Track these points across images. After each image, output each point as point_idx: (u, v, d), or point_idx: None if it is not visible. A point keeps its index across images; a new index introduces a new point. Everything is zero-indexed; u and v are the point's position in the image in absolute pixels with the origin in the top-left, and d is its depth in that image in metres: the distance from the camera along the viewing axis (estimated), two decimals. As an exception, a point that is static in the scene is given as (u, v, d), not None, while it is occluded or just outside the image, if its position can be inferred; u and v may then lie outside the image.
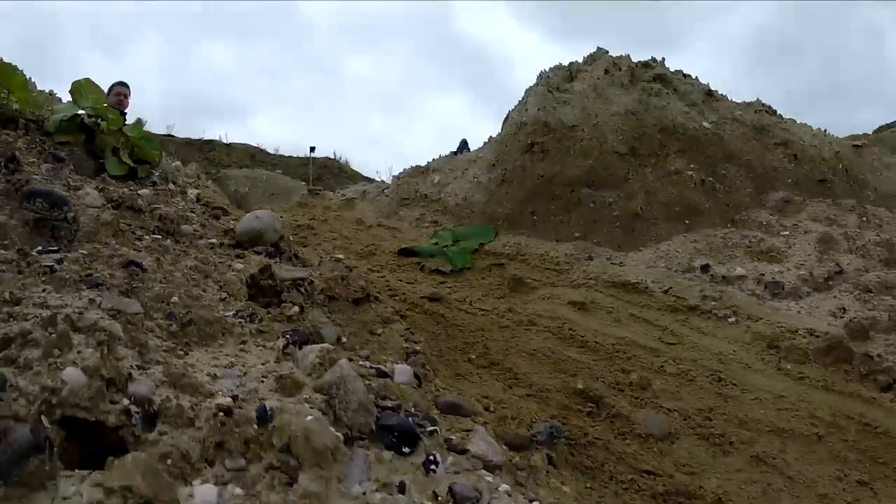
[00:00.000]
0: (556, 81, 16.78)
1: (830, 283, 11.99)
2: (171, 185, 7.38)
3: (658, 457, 7.23)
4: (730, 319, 10.65)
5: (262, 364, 4.14)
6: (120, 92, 9.56)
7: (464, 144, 20.71)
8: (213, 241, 6.29)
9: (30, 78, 8.65)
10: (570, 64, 17.68)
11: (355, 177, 35.99)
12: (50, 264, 4.08)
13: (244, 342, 4.53)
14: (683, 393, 8.63)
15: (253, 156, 37.12)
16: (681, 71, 17.51)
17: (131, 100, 10.21)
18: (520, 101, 16.82)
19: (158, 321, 4.19)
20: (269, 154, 38.10)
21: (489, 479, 3.92)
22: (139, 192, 6.30)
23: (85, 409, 2.81)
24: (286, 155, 37.84)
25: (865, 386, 9.22)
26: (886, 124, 35.75)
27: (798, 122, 17.53)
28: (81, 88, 6.77)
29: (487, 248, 13.60)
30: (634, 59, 17.38)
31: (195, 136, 37.79)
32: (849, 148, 17.09)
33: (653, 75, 16.68)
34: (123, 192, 5.99)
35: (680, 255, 12.75)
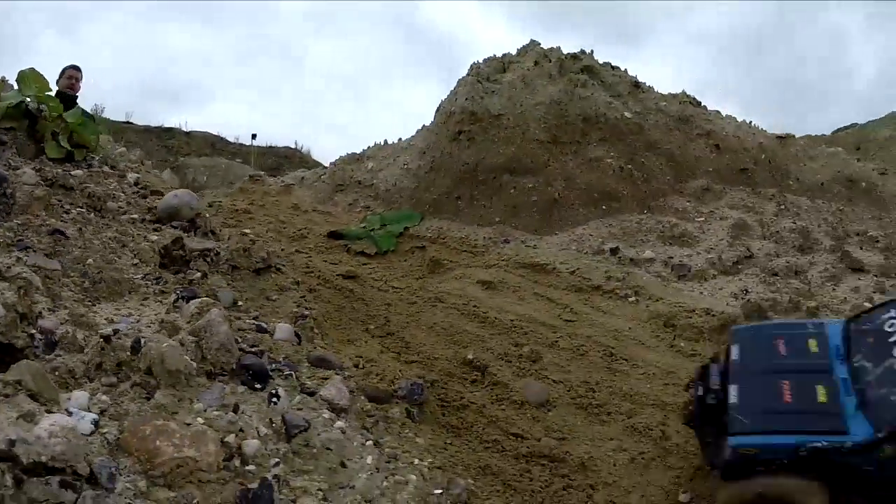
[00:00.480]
0: (488, 72, 17.18)
1: (739, 266, 12.45)
2: (108, 168, 7.97)
3: (530, 422, 7.65)
4: (630, 299, 11.06)
5: (155, 315, 4.93)
6: (72, 75, 9.78)
7: None
8: (135, 216, 7.11)
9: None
10: (504, 55, 18.09)
11: (316, 167, 36.07)
12: (-13, 231, 4.84)
13: (146, 299, 5.34)
14: (572, 366, 9.05)
15: (213, 144, 37.14)
16: (609, 63, 17.94)
17: (83, 83, 10.42)
18: (451, 92, 17.18)
19: (74, 278, 5.02)
20: (228, 143, 38.13)
21: (328, 415, 4.50)
22: (72, 172, 7.09)
23: (1, 333, 3.61)
24: (246, 144, 37.85)
25: (758, 364, 9.49)
26: (843, 126, 36.34)
27: (724, 114, 17.98)
28: (26, 78, 7.41)
29: (412, 232, 14.05)
30: (565, 52, 17.73)
31: (155, 122, 37.81)
32: (773, 139, 17.56)
33: (581, 67, 17.09)
34: (57, 172, 6.87)
35: (593, 238, 13.18)
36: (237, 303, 6.31)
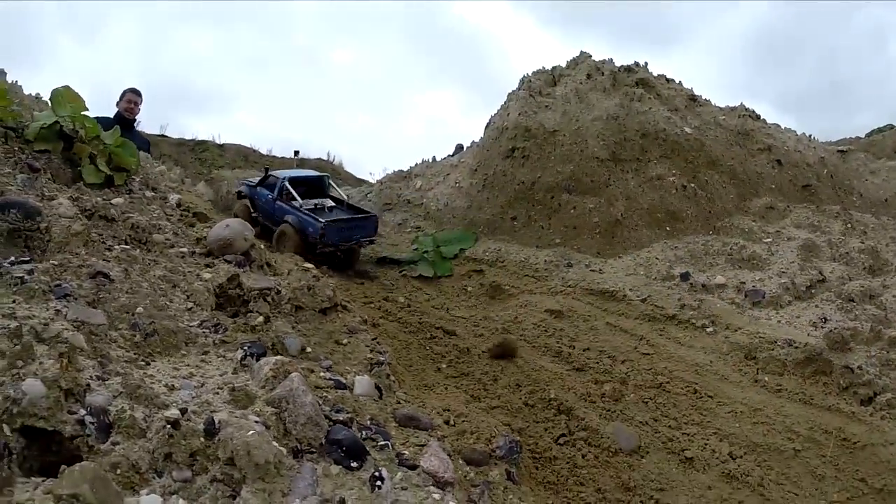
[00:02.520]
0: (539, 86, 16.63)
1: (812, 291, 11.79)
2: (150, 192, 7.31)
3: (626, 471, 7.15)
4: (708, 329, 10.46)
5: (220, 375, 4.21)
6: (131, 99, 9.52)
7: (460, 149, 20.56)
8: (184, 249, 6.26)
9: (15, 82, 8.54)
10: (553, 68, 17.55)
11: (349, 178, 36.37)
12: (21, 275, 4.13)
13: (206, 352, 4.59)
14: (657, 405, 8.51)
15: (246, 156, 37.09)
16: (664, 76, 17.36)
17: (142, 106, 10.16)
18: (502, 106, 16.68)
19: (122, 331, 4.29)
20: (262, 155, 38.03)
21: (437, 496, 3.93)
22: (112, 200, 6.23)
23: (43, 418, 2.92)
24: (279, 156, 37.85)
25: (845, 399, 9.01)
26: (878, 128, 35.64)
27: (784, 126, 17.42)
28: (59, 97, 6.67)
29: (468, 254, 13.51)
30: (618, 63, 17.19)
31: (180, 131, 37.88)
32: (834, 153, 17.01)
33: (635, 80, 16.50)
34: (97, 202, 5.93)
35: (660, 262, 12.57)
36: (305, 349, 5.69)
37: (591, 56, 17.70)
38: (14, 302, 3.83)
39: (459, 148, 20.44)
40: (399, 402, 5.83)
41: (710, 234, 13.66)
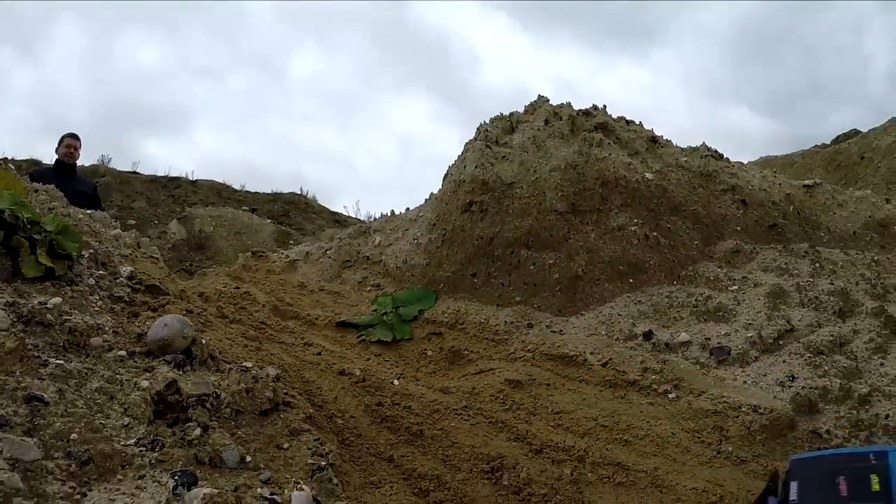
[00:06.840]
0: (496, 134, 16.22)
1: (781, 342, 11.37)
2: (98, 272, 7.16)
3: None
4: (671, 395, 10.10)
5: None
6: (70, 144, 9.48)
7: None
8: (123, 352, 6.13)
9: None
10: (511, 114, 17.16)
11: (322, 212, 37.30)
12: (-47, 401, 4.18)
13: (142, 475, 4.52)
14: (615, 489, 8.19)
15: (219, 192, 37.74)
16: (623, 118, 16.99)
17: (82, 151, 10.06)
18: (459, 156, 16.24)
19: (58, 461, 4.20)
20: (235, 190, 38.75)
21: None
22: (49, 302, 6.03)
23: None
24: (252, 191, 38.62)
25: (814, 467, 8.74)
26: (844, 133, 36.11)
27: (746, 162, 17.18)
28: None
29: (428, 315, 13.09)
30: (576, 107, 16.81)
31: (160, 171, 38.47)
32: (800, 188, 16.65)
33: (594, 124, 16.04)
34: (33, 306, 5.70)
35: (622, 319, 12.21)
36: (245, 459, 5.45)
37: (548, 100, 17.31)
38: (-52, 434, 3.79)
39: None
40: (340, 516, 5.67)
41: (674, 284, 13.28)
